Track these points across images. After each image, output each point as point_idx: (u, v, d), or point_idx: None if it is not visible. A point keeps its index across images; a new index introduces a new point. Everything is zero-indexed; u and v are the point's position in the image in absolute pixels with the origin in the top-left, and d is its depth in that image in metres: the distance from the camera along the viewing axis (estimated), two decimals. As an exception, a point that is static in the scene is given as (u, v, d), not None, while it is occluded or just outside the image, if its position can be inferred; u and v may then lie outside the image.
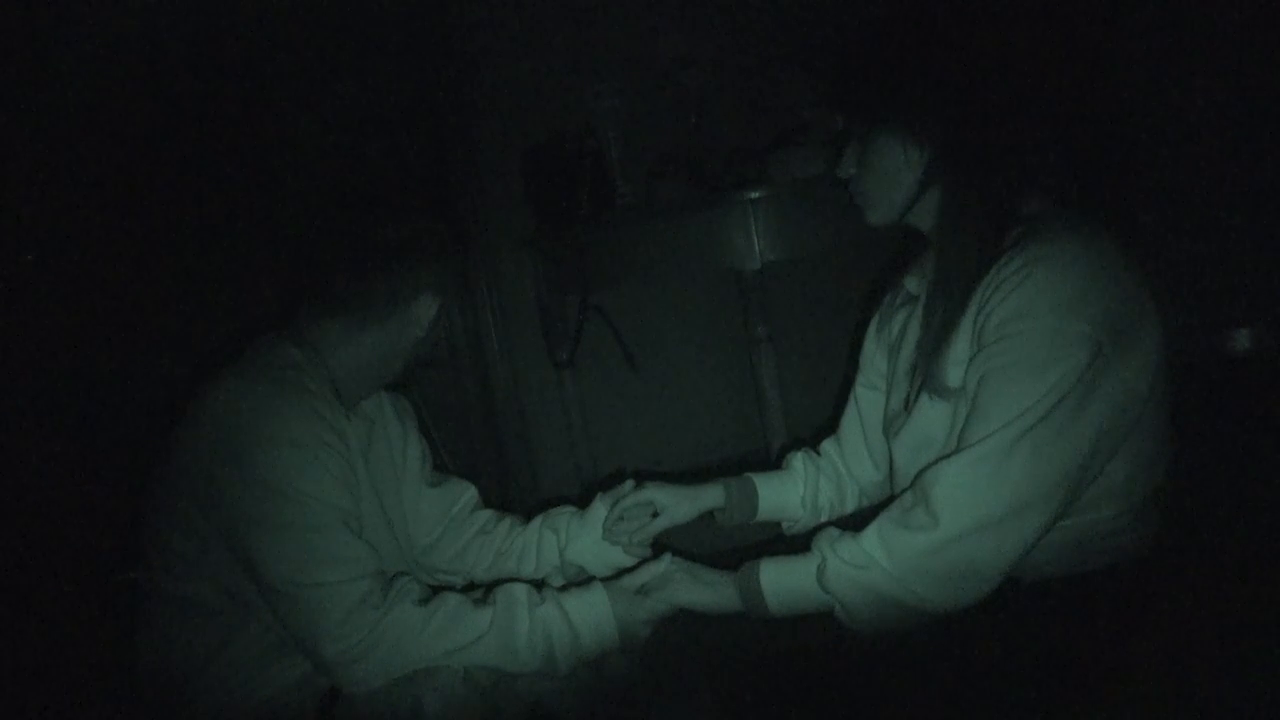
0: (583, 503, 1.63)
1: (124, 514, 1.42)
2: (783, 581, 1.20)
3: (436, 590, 1.33)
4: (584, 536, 1.55)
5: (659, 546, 1.49)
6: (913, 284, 1.36)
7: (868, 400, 1.50)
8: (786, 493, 1.54)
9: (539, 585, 1.35)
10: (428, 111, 2.77)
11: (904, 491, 1.17)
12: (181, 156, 2.32)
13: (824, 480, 1.55)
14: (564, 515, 1.60)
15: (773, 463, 1.58)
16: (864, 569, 1.13)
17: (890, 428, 1.34)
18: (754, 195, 2.21)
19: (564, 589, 1.37)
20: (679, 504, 1.50)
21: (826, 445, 1.58)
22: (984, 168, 1.16)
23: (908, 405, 1.29)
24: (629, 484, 1.54)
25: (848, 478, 1.54)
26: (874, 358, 1.48)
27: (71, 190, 2.26)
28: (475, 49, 2.76)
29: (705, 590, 1.27)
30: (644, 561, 1.42)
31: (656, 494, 1.50)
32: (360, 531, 1.29)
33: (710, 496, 1.52)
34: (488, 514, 1.63)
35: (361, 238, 1.37)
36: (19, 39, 2.17)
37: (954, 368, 1.18)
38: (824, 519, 1.54)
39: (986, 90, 1.17)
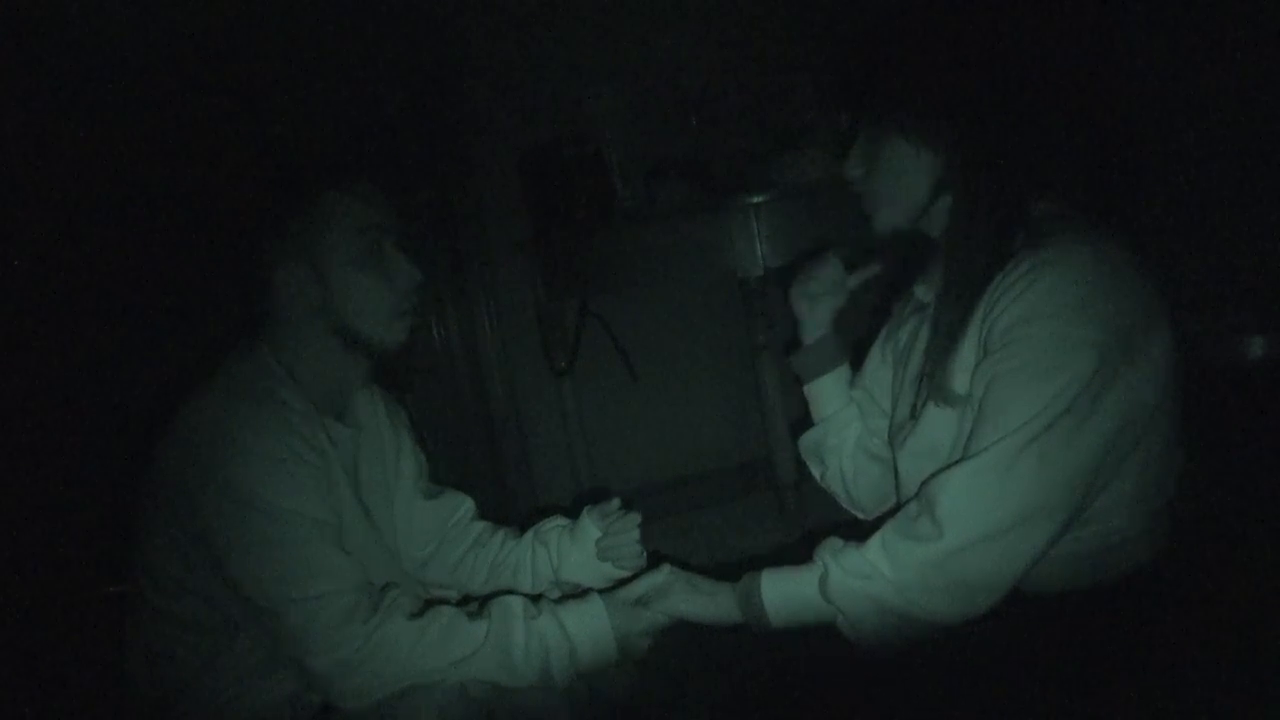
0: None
1: (113, 527, 1.40)
2: (784, 592, 1.18)
3: (430, 603, 1.31)
4: (575, 554, 1.54)
5: (657, 557, 1.47)
6: (922, 291, 1.34)
7: (860, 400, 1.51)
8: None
9: (536, 598, 1.34)
10: (426, 114, 2.76)
11: (909, 501, 1.16)
12: (178, 162, 2.30)
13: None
14: (554, 530, 1.59)
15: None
16: (867, 579, 1.11)
17: (896, 436, 1.32)
18: (756, 199, 2.20)
19: (561, 600, 1.35)
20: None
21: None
22: (997, 170, 1.15)
23: (914, 413, 1.26)
24: (615, 502, 1.53)
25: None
26: (878, 371, 1.47)
27: (68, 194, 2.25)
28: (475, 50, 2.75)
29: (704, 601, 1.25)
30: (642, 572, 1.39)
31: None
32: (343, 544, 1.28)
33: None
34: (483, 526, 1.62)
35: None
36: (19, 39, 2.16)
37: (960, 374, 1.16)
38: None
39: (999, 91, 1.15)
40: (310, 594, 1.19)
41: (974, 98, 1.15)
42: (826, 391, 1.53)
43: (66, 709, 1.81)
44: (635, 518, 1.50)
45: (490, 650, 1.24)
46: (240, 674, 1.28)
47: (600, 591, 1.35)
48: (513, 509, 2.90)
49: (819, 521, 1.81)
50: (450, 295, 2.91)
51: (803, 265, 1.51)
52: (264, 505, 1.21)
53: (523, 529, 1.62)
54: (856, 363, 1.53)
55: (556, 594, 1.51)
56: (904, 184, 1.21)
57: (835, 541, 1.17)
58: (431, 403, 2.89)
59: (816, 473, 1.59)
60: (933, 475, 1.11)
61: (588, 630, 1.27)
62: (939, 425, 1.20)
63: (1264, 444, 1.61)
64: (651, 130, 2.65)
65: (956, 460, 1.11)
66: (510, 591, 1.42)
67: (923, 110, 1.17)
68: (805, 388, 1.56)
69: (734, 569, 1.25)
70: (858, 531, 1.19)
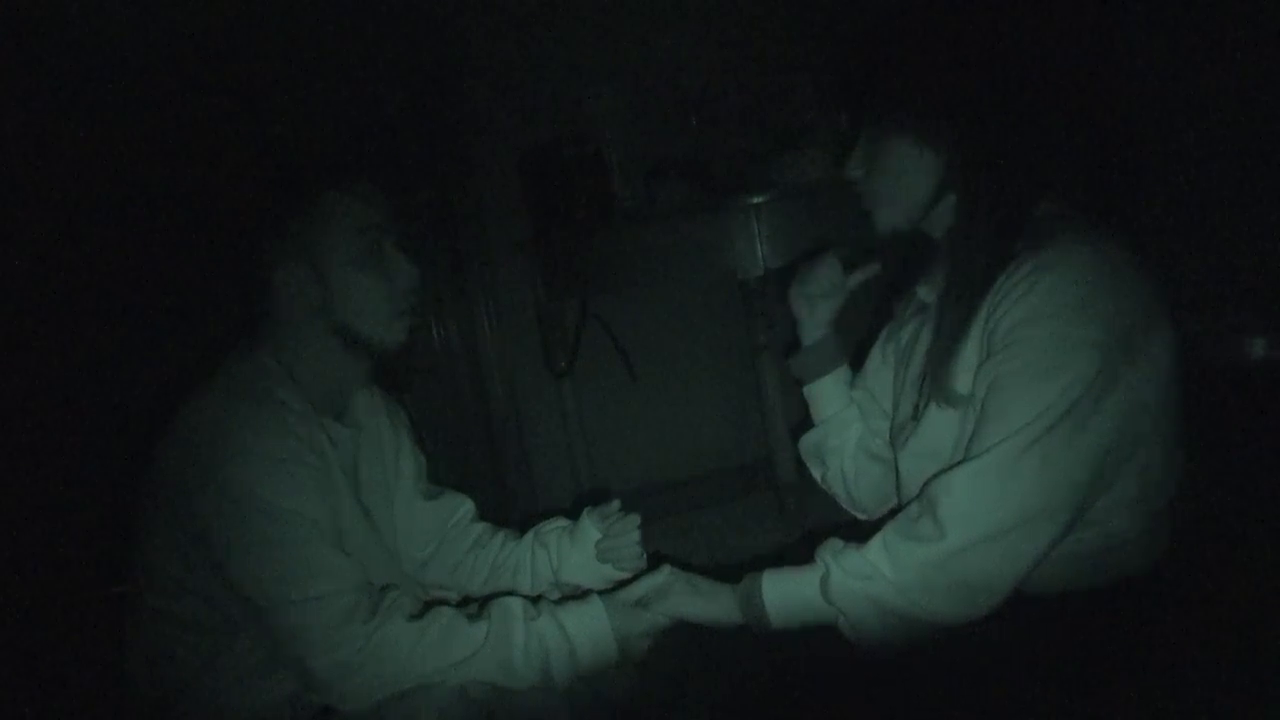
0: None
1: (113, 527, 1.40)
2: (785, 593, 1.18)
3: (430, 605, 1.31)
4: (575, 555, 1.54)
5: (657, 558, 1.47)
6: (925, 292, 1.34)
7: (861, 400, 1.50)
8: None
9: (535, 599, 1.33)
10: (426, 114, 2.76)
11: (910, 502, 1.16)
12: (178, 162, 2.30)
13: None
14: (554, 532, 1.58)
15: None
16: (868, 580, 1.11)
17: (898, 437, 1.32)
18: (756, 199, 2.20)
19: (561, 601, 1.35)
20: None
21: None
22: (998, 170, 1.14)
23: (916, 414, 1.26)
24: (615, 503, 1.53)
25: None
26: (879, 371, 1.46)
27: (68, 194, 2.25)
28: (475, 50, 2.75)
29: (705, 602, 1.25)
30: (642, 573, 1.39)
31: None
32: (343, 544, 1.27)
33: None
34: (483, 527, 1.61)
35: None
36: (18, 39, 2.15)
37: (962, 375, 1.16)
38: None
39: (1000, 91, 1.15)
40: (310, 595, 1.19)
41: (975, 97, 1.14)
42: (826, 392, 1.53)
43: (66, 709, 1.80)
44: (635, 519, 1.49)
45: (490, 652, 1.23)
46: (240, 674, 1.28)
47: (600, 593, 1.35)
48: (513, 510, 2.90)
49: (819, 522, 1.81)
50: (450, 295, 2.91)
51: (802, 266, 1.51)
52: (263, 505, 1.20)
53: (522, 530, 1.62)
54: (857, 363, 1.53)
55: (556, 595, 1.51)
56: (905, 184, 1.20)
57: (836, 542, 1.17)
58: (431, 403, 2.89)
59: (817, 474, 1.59)
60: (934, 476, 1.11)
61: (588, 631, 1.27)
62: (941, 426, 1.20)
63: (1264, 445, 1.61)
64: (651, 130, 2.65)
65: (958, 461, 1.11)
66: (510, 593, 1.42)
67: (924, 110, 1.16)
68: (805, 389, 1.55)
69: (734, 570, 1.25)
70: (858, 532, 1.18)
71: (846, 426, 1.52)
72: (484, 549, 1.58)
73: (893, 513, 1.18)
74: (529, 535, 1.59)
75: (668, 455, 3.07)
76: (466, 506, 1.61)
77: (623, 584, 1.38)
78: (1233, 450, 1.50)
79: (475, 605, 1.32)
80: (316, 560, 1.21)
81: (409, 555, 1.54)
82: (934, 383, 1.20)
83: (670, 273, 2.44)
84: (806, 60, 2.54)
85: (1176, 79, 2.27)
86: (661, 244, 2.37)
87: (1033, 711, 1.07)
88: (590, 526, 1.52)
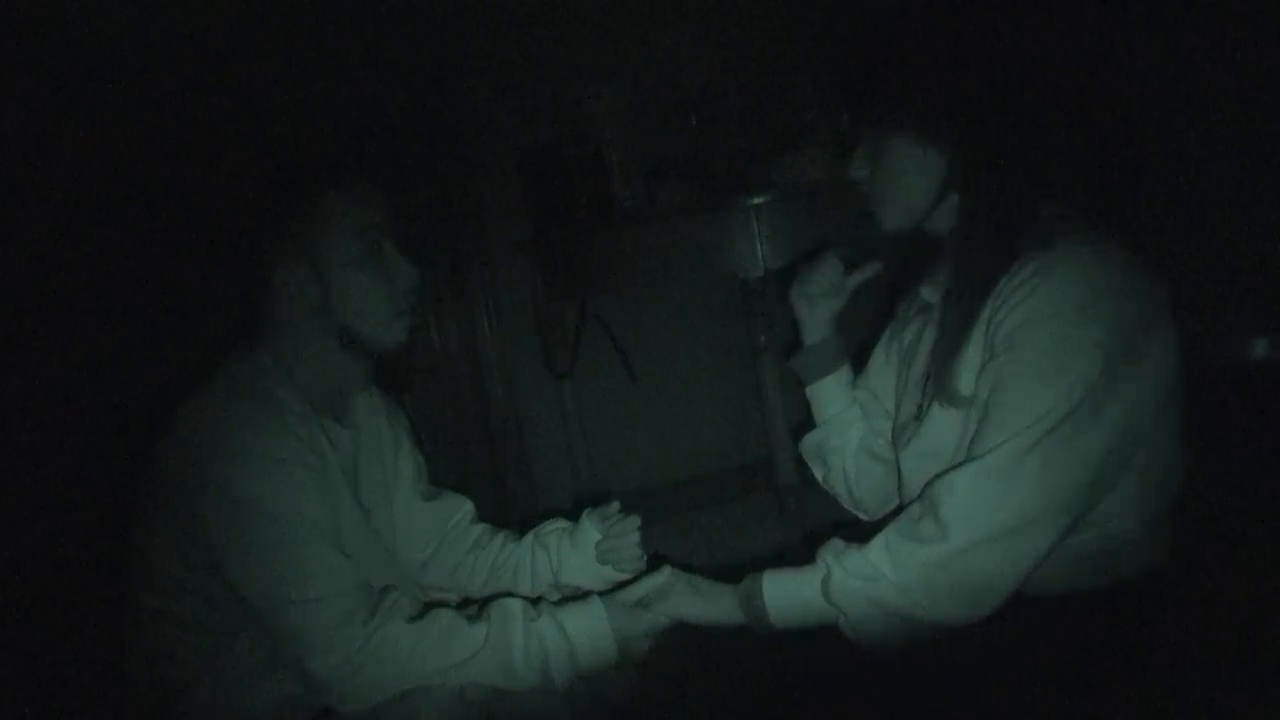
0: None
1: (113, 527, 1.40)
2: (786, 594, 1.18)
3: (430, 606, 1.31)
4: (575, 557, 1.54)
5: (657, 559, 1.47)
6: (928, 292, 1.34)
7: (864, 400, 1.50)
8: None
9: (535, 601, 1.33)
10: (426, 114, 2.76)
11: (912, 502, 1.16)
12: (178, 162, 2.30)
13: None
14: (554, 533, 1.58)
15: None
16: (870, 581, 1.11)
17: (900, 437, 1.32)
18: (757, 200, 2.20)
19: (561, 602, 1.35)
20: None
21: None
22: (998, 169, 1.14)
23: (919, 414, 1.26)
24: (615, 504, 1.53)
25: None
26: (881, 371, 1.46)
27: (68, 194, 2.24)
28: (475, 50, 2.75)
29: (705, 603, 1.25)
30: (642, 574, 1.39)
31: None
32: (342, 545, 1.27)
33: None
34: (482, 528, 1.61)
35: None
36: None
37: (966, 375, 1.16)
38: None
39: (1000, 90, 1.15)
40: (309, 596, 1.19)
41: (976, 96, 1.15)
42: (828, 393, 1.53)
43: (66, 709, 1.80)
44: (635, 520, 1.49)
45: (490, 653, 1.24)
46: (240, 674, 1.28)
47: (600, 594, 1.35)
48: (513, 510, 2.90)
49: (819, 522, 1.81)
50: (450, 295, 2.91)
51: (802, 266, 1.51)
52: (263, 506, 1.21)
53: (522, 531, 1.62)
54: (859, 363, 1.53)
55: (556, 596, 1.51)
56: (907, 183, 1.21)
57: (837, 543, 1.17)
58: (431, 403, 2.89)
59: (819, 474, 1.59)
60: (936, 476, 1.12)
61: (587, 632, 1.27)
62: (943, 426, 1.20)
63: (1264, 445, 1.60)
64: (651, 130, 2.65)
65: (960, 462, 1.11)
66: (510, 594, 1.43)
67: (924, 109, 1.16)
68: (807, 389, 1.55)
69: (734, 570, 1.25)
70: (859, 532, 1.18)
71: (848, 427, 1.52)
72: (483, 550, 1.58)
73: (894, 513, 1.18)
74: (529, 536, 1.59)
75: (668, 455, 3.07)
76: (466, 507, 1.61)
77: (623, 585, 1.38)
78: (1233, 450, 1.49)
79: (475, 607, 1.32)
80: (316, 561, 1.21)
81: (408, 556, 1.54)
82: (937, 383, 1.20)
83: (670, 273, 2.44)
84: (806, 60, 2.53)
85: (1176, 79, 2.27)
86: (661, 244, 2.37)
87: (1033, 712, 1.08)
88: (590, 528, 1.52)
